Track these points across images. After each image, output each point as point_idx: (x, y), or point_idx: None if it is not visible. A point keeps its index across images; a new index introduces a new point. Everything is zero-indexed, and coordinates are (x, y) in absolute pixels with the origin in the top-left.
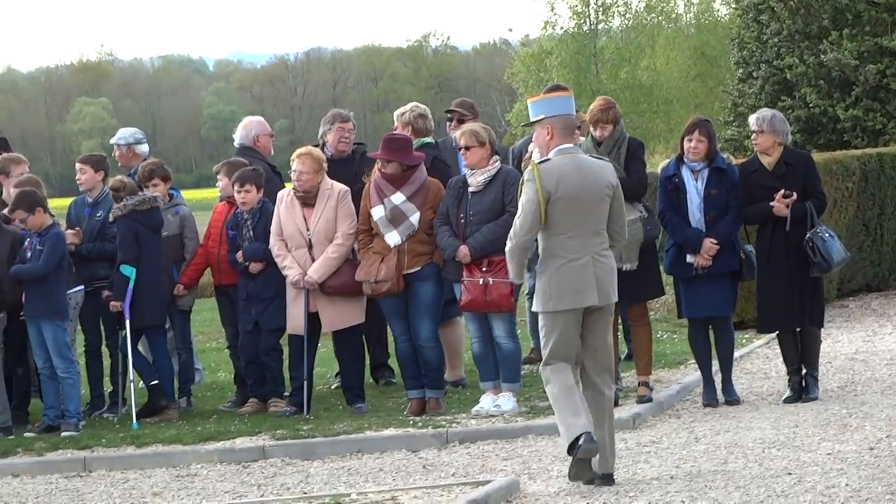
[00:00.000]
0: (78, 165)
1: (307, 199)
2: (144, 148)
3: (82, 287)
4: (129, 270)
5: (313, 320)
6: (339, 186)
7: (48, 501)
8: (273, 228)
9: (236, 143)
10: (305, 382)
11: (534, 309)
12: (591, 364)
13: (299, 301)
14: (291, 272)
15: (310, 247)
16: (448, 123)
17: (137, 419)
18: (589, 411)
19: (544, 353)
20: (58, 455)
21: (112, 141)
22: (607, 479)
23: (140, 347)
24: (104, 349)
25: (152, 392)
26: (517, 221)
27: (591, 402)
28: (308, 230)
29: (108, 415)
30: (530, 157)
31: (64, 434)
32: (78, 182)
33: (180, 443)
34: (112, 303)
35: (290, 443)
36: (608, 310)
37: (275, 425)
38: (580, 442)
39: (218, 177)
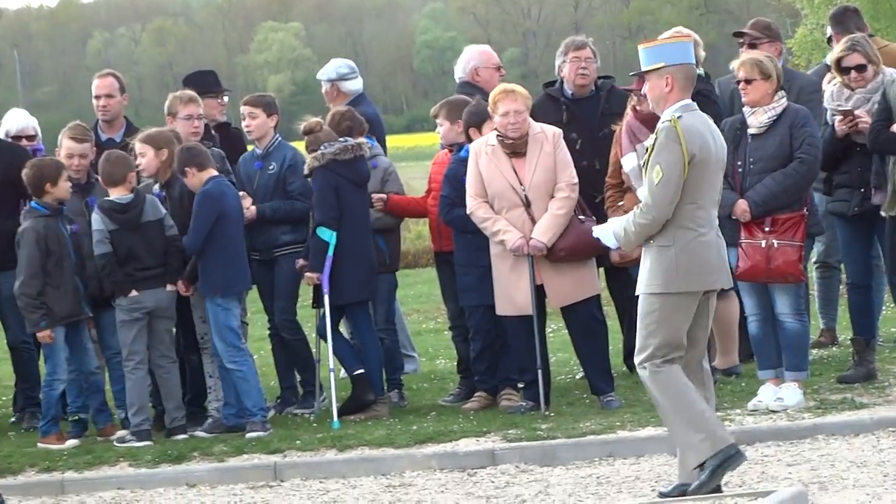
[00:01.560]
0: (246, 109)
1: (518, 146)
2: (352, 85)
3: None
4: (328, 234)
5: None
6: (552, 129)
7: None
8: (470, 189)
9: (456, 78)
10: (540, 372)
11: (647, 291)
12: (690, 353)
13: (522, 272)
14: (510, 236)
15: (527, 205)
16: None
17: (339, 417)
18: None
19: (653, 344)
20: (243, 461)
21: (318, 76)
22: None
23: (342, 328)
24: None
25: (357, 384)
26: (658, 190)
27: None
28: (522, 185)
29: (303, 411)
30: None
31: (249, 435)
32: (246, 129)
33: (391, 445)
34: (307, 274)
35: (525, 445)
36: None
37: (507, 424)
38: (731, 459)
39: (437, 120)
